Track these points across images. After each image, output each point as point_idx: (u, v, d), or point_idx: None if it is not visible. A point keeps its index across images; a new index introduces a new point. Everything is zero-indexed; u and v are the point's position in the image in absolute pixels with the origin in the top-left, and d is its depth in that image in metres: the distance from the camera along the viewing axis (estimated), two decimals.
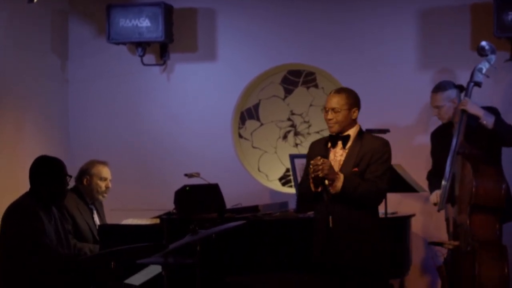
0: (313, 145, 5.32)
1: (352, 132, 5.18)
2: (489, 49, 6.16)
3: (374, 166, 5.08)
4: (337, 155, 5.18)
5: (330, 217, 4.97)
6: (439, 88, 6.33)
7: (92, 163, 6.45)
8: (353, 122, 5.19)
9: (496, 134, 6.09)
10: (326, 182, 5.03)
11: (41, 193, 5.34)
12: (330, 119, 5.17)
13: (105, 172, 6.43)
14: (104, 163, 6.48)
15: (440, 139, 6.40)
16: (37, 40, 7.18)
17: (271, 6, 7.32)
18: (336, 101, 5.17)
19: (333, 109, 5.16)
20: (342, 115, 5.15)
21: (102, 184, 6.40)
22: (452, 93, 6.29)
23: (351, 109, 5.16)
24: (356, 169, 5.09)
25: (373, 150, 5.10)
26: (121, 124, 7.52)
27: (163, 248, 4.84)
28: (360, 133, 5.20)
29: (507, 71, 6.78)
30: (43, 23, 7.28)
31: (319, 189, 5.08)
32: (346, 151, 5.16)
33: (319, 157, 5.04)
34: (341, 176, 5.04)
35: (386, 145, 5.16)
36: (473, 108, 6.10)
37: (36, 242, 5.16)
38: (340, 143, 5.19)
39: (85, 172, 6.38)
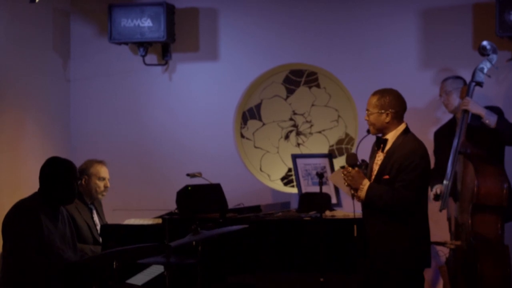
0: (373, 146, 5.38)
1: (391, 136, 5.18)
2: (491, 48, 6.16)
3: (402, 174, 5.06)
4: (379, 158, 5.23)
5: (355, 225, 5.24)
6: (448, 76, 6.44)
7: (90, 163, 6.42)
8: (391, 125, 5.16)
9: (498, 133, 6.09)
10: (351, 191, 5.16)
11: (48, 194, 5.34)
12: (366, 120, 5.24)
13: (103, 171, 6.41)
14: (101, 162, 6.45)
15: (443, 138, 6.40)
16: (39, 40, 7.18)
17: (273, 6, 7.31)
18: (368, 103, 5.23)
19: (367, 110, 5.23)
20: (373, 118, 5.18)
21: (101, 184, 6.37)
22: (460, 83, 6.35)
23: (382, 112, 5.14)
24: (387, 176, 5.10)
25: (401, 158, 5.08)
26: (123, 124, 7.53)
27: (165, 248, 4.83)
28: (402, 135, 5.16)
29: (510, 71, 6.77)
30: (44, 23, 7.28)
31: None
32: (384, 155, 5.18)
33: (346, 165, 5.16)
34: (365, 186, 5.11)
35: (415, 151, 5.08)
36: (475, 108, 6.10)
37: (33, 243, 5.15)
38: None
39: (83, 172, 6.35)
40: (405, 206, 5.04)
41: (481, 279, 5.72)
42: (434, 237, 6.51)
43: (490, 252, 5.79)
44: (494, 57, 6.16)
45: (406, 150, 5.09)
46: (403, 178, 5.04)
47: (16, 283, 5.16)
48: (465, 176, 5.95)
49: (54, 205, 5.36)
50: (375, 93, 5.24)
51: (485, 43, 6.17)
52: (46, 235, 5.21)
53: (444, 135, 6.43)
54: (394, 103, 5.15)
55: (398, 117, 5.17)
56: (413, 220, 5.10)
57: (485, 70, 6.16)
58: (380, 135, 5.25)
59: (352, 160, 5.21)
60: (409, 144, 5.13)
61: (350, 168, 5.15)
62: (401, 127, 5.19)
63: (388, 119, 5.15)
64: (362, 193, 5.11)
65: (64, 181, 5.34)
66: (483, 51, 6.17)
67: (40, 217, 5.20)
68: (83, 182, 6.33)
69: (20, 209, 5.28)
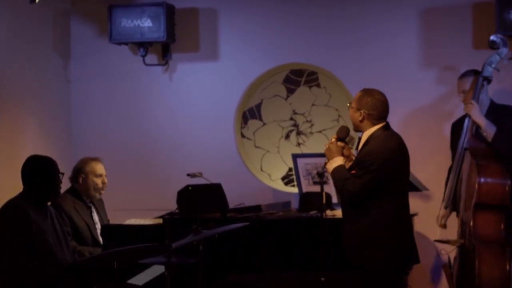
0: None
1: (365, 134, 5.17)
2: (500, 42, 6.12)
3: (356, 168, 5.10)
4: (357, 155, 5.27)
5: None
6: (465, 74, 6.31)
7: (85, 161, 6.37)
8: (364, 125, 5.15)
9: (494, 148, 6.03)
10: (326, 161, 5.20)
11: (34, 192, 5.35)
12: None
13: (99, 168, 6.36)
14: (96, 159, 6.39)
15: (456, 130, 6.33)
16: (39, 40, 7.19)
17: (273, 6, 7.32)
18: (354, 97, 5.25)
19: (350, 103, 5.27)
20: (351, 114, 5.21)
21: (98, 181, 6.32)
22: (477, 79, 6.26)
23: (358, 109, 5.14)
24: (353, 171, 5.11)
25: (363, 154, 5.09)
26: (123, 124, 7.53)
27: (166, 248, 4.83)
28: (375, 133, 5.13)
29: (510, 69, 6.76)
30: (45, 23, 7.28)
31: None
32: (358, 151, 5.22)
33: (335, 136, 5.24)
34: (335, 163, 5.14)
35: (376, 148, 5.05)
36: (477, 116, 6.03)
37: (24, 240, 5.15)
38: None
39: (80, 170, 6.32)
40: (346, 195, 5.05)
41: (479, 278, 5.69)
42: (435, 236, 6.52)
43: (489, 251, 5.76)
44: (504, 50, 6.11)
45: (369, 147, 5.09)
46: (356, 170, 5.07)
47: (12, 282, 5.15)
48: (470, 174, 5.92)
49: (40, 203, 5.37)
50: (362, 90, 5.24)
51: (493, 37, 6.14)
52: (36, 231, 5.20)
53: (456, 127, 6.37)
54: (370, 106, 5.12)
55: (371, 119, 5.13)
56: (373, 218, 5.06)
57: (494, 64, 6.12)
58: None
59: (340, 133, 5.26)
60: (374, 141, 5.10)
61: (333, 139, 5.22)
62: (376, 127, 5.14)
63: (360, 118, 5.15)
64: (330, 166, 5.16)
65: (45, 176, 5.37)
66: (493, 45, 6.13)
67: (28, 213, 5.21)
68: (80, 181, 6.30)
69: (8, 208, 5.30)
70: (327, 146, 5.22)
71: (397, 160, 5.11)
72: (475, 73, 6.25)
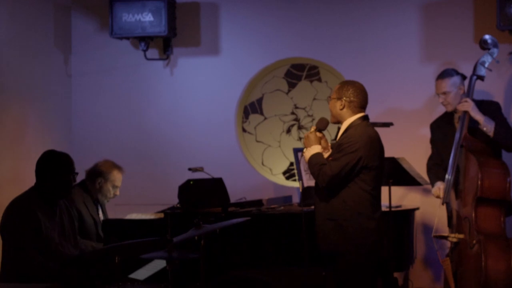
0: None
1: (344, 124, 5.22)
2: (492, 42, 6.15)
3: (334, 153, 5.13)
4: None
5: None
6: (444, 74, 6.26)
7: (111, 168, 6.36)
8: (345, 114, 5.19)
9: (497, 142, 6.03)
10: (304, 149, 5.24)
11: (45, 188, 5.32)
12: None
13: (119, 180, 6.38)
14: (121, 169, 6.40)
15: (439, 129, 6.37)
16: (40, 35, 7.19)
17: (274, 0, 7.31)
18: (333, 90, 5.31)
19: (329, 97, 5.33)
20: (331, 104, 5.26)
21: (113, 192, 6.36)
22: (457, 79, 6.22)
23: (338, 99, 5.19)
24: (330, 158, 5.14)
25: (341, 139, 5.14)
26: (125, 119, 7.53)
27: (167, 242, 4.84)
28: (354, 123, 5.16)
29: (511, 64, 6.77)
30: (46, 18, 7.28)
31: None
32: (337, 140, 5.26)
33: (314, 127, 5.27)
34: (313, 150, 5.17)
35: (354, 135, 5.09)
36: (476, 113, 6.04)
37: (31, 241, 5.14)
38: None
39: (101, 174, 6.31)
40: (323, 179, 5.05)
41: (485, 272, 5.71)
42: (436, 231, 6.53)
43: (495, 245, 5.78)
44: (495, 51, 6.15)
45: (348, 133, 5.14)
46: (333, 155, 5.11)
47: (16, 279, 5.15)
48: (468, 170, 5.94)
49: (51, 199, 5.35)
50: (340, 82, 5.31)
51: (486, 37, 6.16)
52: (44, 232, 5.20)
53: (439, 126, 6.39)
54: (351, 93, 5.18)
55: (352, 107, 5.18)
56: (350, 207, 5.07)
57: (487, 64, 6.14)
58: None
59: (320, 124, 5.30)
60: (354, 129, 5.15)
61: (312, 129, 5.25)
62: (356, 116, 5.19)
63: (341, 107, 5.19)
64: (308, 153, 5.18)
65: (61, 175, 5.32)
66: (484, 45, 6.16)
67: (37, 214, 5.18)
68: (96, 183, 6.29)
69: (17, 207, 5.25)
70: (306, 135, 5.26)
71: (375, 148, 5.14)
72: (458, 73, 6.24)
